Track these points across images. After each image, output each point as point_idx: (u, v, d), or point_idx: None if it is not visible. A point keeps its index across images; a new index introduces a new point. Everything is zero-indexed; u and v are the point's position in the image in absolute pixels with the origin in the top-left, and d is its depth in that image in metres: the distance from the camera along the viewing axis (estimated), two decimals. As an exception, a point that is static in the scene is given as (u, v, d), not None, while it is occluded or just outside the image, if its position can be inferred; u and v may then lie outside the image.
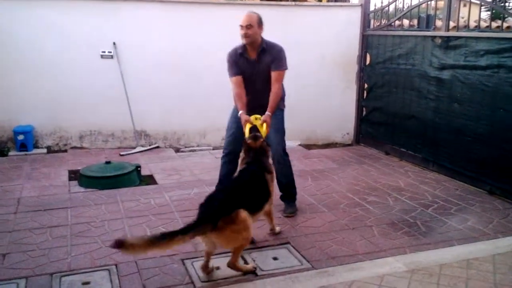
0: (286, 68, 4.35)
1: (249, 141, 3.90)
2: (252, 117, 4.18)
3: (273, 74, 4.27)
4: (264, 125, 4.13)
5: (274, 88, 4.26)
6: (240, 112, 4.21)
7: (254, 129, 4.11)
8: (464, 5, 9.56)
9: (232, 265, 3.27)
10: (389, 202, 4.85)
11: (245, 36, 4.17)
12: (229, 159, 4.47)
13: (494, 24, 6.38)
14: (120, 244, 2.72)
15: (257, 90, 4.29)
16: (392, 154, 6.68)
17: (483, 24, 7.27)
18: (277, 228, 4.01)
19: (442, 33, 5.71)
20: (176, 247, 3.18)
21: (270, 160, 4.08)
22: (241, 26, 4.18)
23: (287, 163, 4.45)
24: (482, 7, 5.63)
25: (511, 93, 4.79)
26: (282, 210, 4.46)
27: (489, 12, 7.67)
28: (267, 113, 4.18)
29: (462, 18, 6.90)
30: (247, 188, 3.51)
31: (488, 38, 5.08)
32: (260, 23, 4.23)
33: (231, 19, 5.86)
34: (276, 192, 4.18)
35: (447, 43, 5.56)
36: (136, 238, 3.15)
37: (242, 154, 3.96)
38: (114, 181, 5.18)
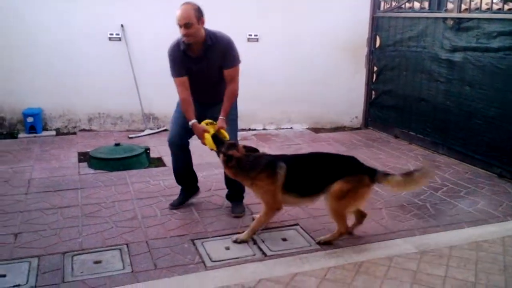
0: (240, 62, 3.81)
1: (231, 152, 3.49)
2: (204, 123, 3.69)
3: (228, 72, 3.74)
4: (222, 131, 3.69)
5: (231, 87, 3.76)
6: (192, 122, 3.69)
7: (216, 137, 3.64)
8: (476, -13, 9.43)
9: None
10: (398, 185, 4.83)
11: (187, 36, 3.58)
12: (180, 150, 4.05)
13: (506, 7, 6.26)
14: None
15: (204, 90, 3.84)
16: (401, 138, 6.65)
17: (495, 7, 7.15)
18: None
19: (454, 14, 5.63)
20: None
21: None
22: (179, 25, 3.57)
23: None
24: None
25: (524, 76, 4.75)
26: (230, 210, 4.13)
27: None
28: (221, 117, 3.71)
29: (473, 1, 6.79)
30: None
31: (501, 19, 5.01)
32: (199, 17, 3.60)
33: (244, 5, 5.85)
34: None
35: (459, 25, 5.48)
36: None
37: (227, 170, 3.58)
38: (124, 163, 5.21)
